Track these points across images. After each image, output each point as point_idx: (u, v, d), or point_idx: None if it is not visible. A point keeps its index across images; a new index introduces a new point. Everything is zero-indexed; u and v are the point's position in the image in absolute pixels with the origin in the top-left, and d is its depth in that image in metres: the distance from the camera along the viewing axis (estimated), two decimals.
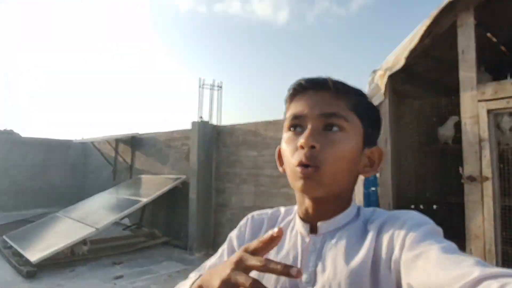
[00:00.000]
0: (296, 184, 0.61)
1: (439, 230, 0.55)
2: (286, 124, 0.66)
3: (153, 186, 6.10)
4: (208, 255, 5.50)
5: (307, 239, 0.65)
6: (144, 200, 5.56)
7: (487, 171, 1.76)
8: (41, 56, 21.86)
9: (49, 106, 19.37)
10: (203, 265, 0.77)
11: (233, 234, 0.77)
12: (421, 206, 2.36)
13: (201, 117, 5.76)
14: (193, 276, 0.71)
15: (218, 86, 6.27)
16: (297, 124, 0.64)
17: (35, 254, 4.43)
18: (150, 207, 6.28)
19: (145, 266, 4.76)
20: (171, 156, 6.46)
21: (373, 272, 0.55)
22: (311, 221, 0.65)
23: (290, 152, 0.62)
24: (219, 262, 0.73)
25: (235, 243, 0.76)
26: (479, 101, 1.81)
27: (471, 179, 1.81)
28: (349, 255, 0.59)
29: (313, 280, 0.60)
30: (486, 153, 1.77)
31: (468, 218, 1.82)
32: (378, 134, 0.71)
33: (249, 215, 0.78)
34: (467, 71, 1.87)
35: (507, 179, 1.92)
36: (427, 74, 2.44)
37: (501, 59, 2.53)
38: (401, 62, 1.98)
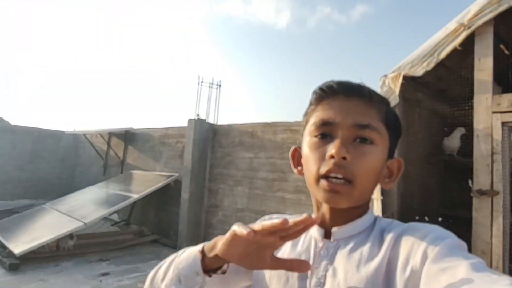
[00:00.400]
0: (320, 194, 0.59)
1: (464, 244, 0.52)
2: (312, 128, 0.62)
3: (144, 182, 5.98)
4: None
5: (320, 244, 0.64)
6: (135, 196, 5.44)
7: (498, 185, 1.70)
8: (41, 56, 21.73)
9: (45, 100, 19.22)
10: None
11: None
12: (426, 218, 2.30)
13: (198, 115, 5.67)
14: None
15: (217, 85, 6.19)
16: (326, 131, 0.61)
17: (19, 246, 4.29)
18: (141, 204, 6.16)
19: (133, 264, 4.64)
20: (165, 153, 6.35)
21: (386, 282, 0.53)
22: (326, 226, 0.64)
23: (316, 160, 0.59)
24: None
25: None
26: (494, 112, 1.76)
27: (481, 192, 1.76)
28: (362, 262, 0.57)
29: (322, 284, 0.59)
30: (499, 166, 1.72)
31: (475, 233, 1.77)
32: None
33: (267, 216, 0.76)
34: (483, 80, 1.82)
35: None
36: (437, 83, 2.40)
37: (510, 71, 2.50)
38: (420, 72, 1.94)
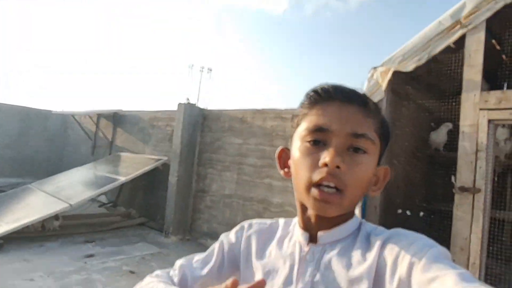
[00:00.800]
0: (310, 202, 0.58)
1: (448, 253, 0.53)
2: (305, 133, 0.60)
3: (133, 165, 5.93)
4: (184, 240, 5.45)
5: (306, 248, 0.63)
6: (123, 178, 5.39)
7: (480, 183, 1.71)
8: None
9: (36, 79, 18.95)
10: (177, 263, 0.74)
11: (226, 239, 0.74)
12: (408, 212, 2.32)
13: (187, 99, 5.59)
14: (160, 273, 0.71)
15: (208, 69, 6.09)
16: (319, 137, 0.59)
17: (2, 226, 4.24)
18: (128, 186, 6.13)
19: (118, 246, 4.64)
20: (154, 136, 6.29)
21: (375, 286, 0.54)
22: (311, 230, 0.63)
23: (308, 166, 0.58)
24: (206, 260, 0.73)
25: (226, 248, 0.73)
26: (481, 109, 1.74)
27: (463, 189, 1.76)
28: (349, 267, 0.57)
29: None
30: (482, 164, 1.71)
31: (455, 229, 1.78)
32: None
33: (246, 223, 0.75)
34: (472, 76, 1.80)
35: (498, 191, 1.88)
36: (427, 76, 2.37)
37: (500, 67, 2.48)
38: (410, 67, 1.91)
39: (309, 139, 0.59)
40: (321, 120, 0.59)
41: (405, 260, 0.51)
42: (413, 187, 2.39)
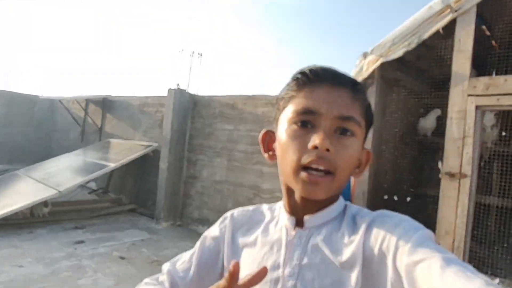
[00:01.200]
0: (298, 186, 0.57)
1: (433, 236, 0.53)
2: (292, 116, 0.59)
3: (123, 151, 5.87)
4: (175, 226, 5.46)
5: (292, 233, 0.62)
6: (113, 165, 5.35)
7: (467, 168, 1.73)
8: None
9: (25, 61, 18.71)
10: (163, 268, 0.73)
11: (210, 234, 0.73)
12: (395, 198, 2.34)
13: (178, 85, 5.51)
14: (149, 281, 0.72)
15: (199, 54, 6.00)
16: (308, 120, 0.58)
17: None
18: (119, 172, 6.09)
19: (109, 233, 4.63)
20: (144, 122, 6.22)
21: (363, 268, 0.54)
22: (297, 214, 0.63)
23: (297, 149, 0.57)
24: (191, 260, 0.72)
25: (209, 244, 0.72)
26: (469, 95, 1.75)
27: (450, 175, 1.78)
28: (337, 250, 0.57)
29: (296, 273, 0.58)
30: (469, 150, 1.73)
31: (441, 214, 1.81)
32: None
33: (228, 214, 0.74)
34: (462, 62, 1.80)
35: (484, 177, 1.91)
36: (417, 62, 2.36)
37: (489, 54, 2.48)
38: (400, 53, 1.89)
39: (297, 122, 0.58)
40: (310, 103, 0.58)
41: (391, 242, 0.51)
42: (401, 173, 2.41)
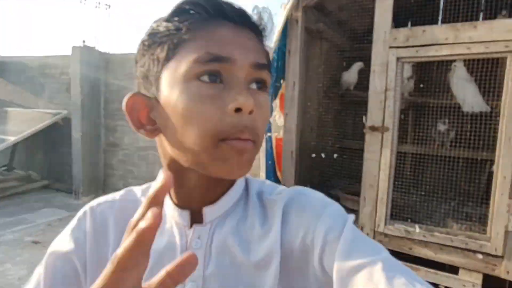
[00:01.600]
0: (217, 164, 0.41)
1: (354, 218, 0.46)
2: (191, 67, 0.40)
3: (25, 122, 5.13)
4: None
5: (189, 232, 0.47)
6: (13, 138, 4.66)
7: (388, 122, 1.74)
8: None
9: None
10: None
11: (60, 250, 0.49)
12: (323, 155, 2.34)
13: (84, 41, 4.84)
14: None
15: (106, 5, 5.29)
16: (217, 70, 0.40)
17: None
18: (24, 146, 5.37)
19: (18, 215, 4.11)
20: (48, 86, 5.45)
21: (281, 265, 0.44)
22: (191, 207, 0.47)
23: (210, 115, 0.39)
24: None
25: (64, 266, 0.48)
26: (390, 47, 1.73)
27: (373, 129, 1.79)
28: (248, 246, 0.45)
29: (200, 286, 0.44)
30: (391, 103, 1.74)
31: (366, 168, 1.84)
32: None
33: (87, 208, 0.52)
34: (383, 12, 1.75)
35: (402, 127, 1.97)
36: (338, 12, 2.28)
37: (407, 4, 2.49)
38: None
39: (201, 75, 0.40)
40: (216, 47, 0.40)
41: (317, 236, 0.43)
42: (326, 128, 2.41)
